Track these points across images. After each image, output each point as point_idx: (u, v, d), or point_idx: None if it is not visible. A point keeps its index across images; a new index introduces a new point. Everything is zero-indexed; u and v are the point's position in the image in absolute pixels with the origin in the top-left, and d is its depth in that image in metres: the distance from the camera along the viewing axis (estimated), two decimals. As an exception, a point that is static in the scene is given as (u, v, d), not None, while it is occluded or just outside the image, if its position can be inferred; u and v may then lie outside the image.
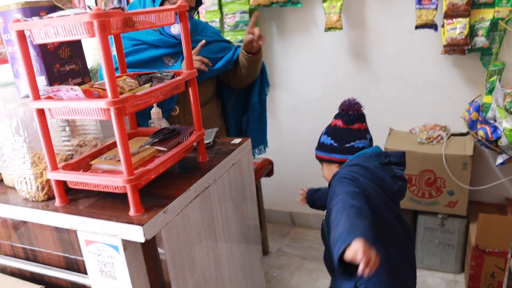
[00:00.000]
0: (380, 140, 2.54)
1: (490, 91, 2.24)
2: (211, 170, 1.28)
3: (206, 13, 2.73)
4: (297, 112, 2.97)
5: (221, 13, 2.72)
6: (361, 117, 1.52)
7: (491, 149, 2.23)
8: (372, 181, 1.35)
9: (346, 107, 1.52)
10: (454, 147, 2.38)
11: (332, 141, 1.51)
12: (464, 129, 2.49)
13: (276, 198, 3.24)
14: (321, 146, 1.57)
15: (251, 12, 2.68)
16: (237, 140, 1.52)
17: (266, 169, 2.63)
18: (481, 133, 2.20)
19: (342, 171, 1.40)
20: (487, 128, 2.17)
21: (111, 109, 0.97)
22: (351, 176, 1.34)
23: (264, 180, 2.87)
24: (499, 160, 2.24)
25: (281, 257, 2.89)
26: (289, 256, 2.89)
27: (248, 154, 1.53)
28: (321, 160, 1.58)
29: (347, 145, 1.49)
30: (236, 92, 2.22)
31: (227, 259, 1.44)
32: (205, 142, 1.45)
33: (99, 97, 1.07)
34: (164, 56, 1.93)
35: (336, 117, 1.56)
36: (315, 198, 1.79)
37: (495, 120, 2.19)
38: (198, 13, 2.78)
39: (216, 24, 2.72)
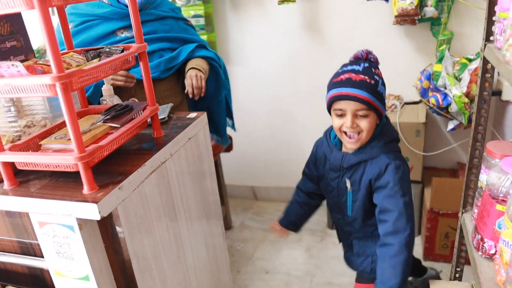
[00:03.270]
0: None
1: (440, 60, 2.30)
2: (166, 145, 1.26)
3: (157, -12, 2.65)
4: (254, 86, 2.96)
5: (173, -13, 2.65)
6: None
7: (443, 115, 2.30)
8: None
9: (375, 58, 1.45)
10: (408, 115, 2.44)
11: (384, 93, 1.41)
12: (417, 98, 2.55)
13: (237, 173, 3.25)
14: (380, 97, 1.38)
15: (203, -14, 2.63)
16: (192, 115, 1.50)
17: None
18: (432, 100, 2.26)
19: (397, 158, 1.42)
20: (438, 96, 2.24)
21: (57, 84, 0.92)
22: (406, 169, 1.44)
23: (224, 156, 2.87)
24: (450, 126, 2.32)
25: (244, 230, 2.91)
26: (252, 229, 2.92)
27: (205, 128, 1.51)
28: (375, 110, 1.38)
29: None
30: None
31: (188, 235, 1.43)
32: (160, 117, 1.43)
33: (44, 72, 1.02)
34: (118, 29, 1.86)
35: (375, 67, 1.42)
36: (291, 219, 1.79)
37: (446, 88, 2.25)
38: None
39: (168, -1, 2.65)
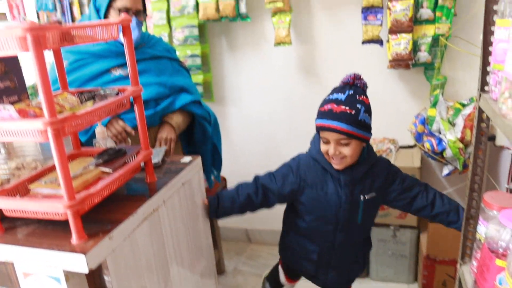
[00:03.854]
0: (331, 153, 2.56)
1: (434, 104, 2.32)
2: (159, 191, 1.23)
3: (155, 27, 2.68)
4: (249, 127, 2.95)
5: (170, 27, 2.68)
6: None
7: (437, 160, 2.30)
8: None
9: (363, 84, 1.53)
10: (403, 160, 2.43)
11: (370, 121, 1.49)
12: (411, 142, 2.55)
13: (230, 215, 3.19)
14: (361, 125, 1.45)
15: (200, 26, 2.66)
16: (187, 159, 1.48)
17: (219, 186, 2.59)
18: (427, 145, 2.26)
19: (391, 164, 1.65)
20: (433, 140, 2.24)
21: (48, 130, 0.91)
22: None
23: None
24: (445, 171, 2.31)
25: (237, 276, 2.83)
26: (245, 275, 2.84)
27: (199, 172, 1.49)
28: (356, 138, 1.46)
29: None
30: None
31: (180, 282, 1.38)
32: (153, 161, 1.40)
33: (36, 116, 1.00)
34: (112, 67, 1.85)
35: (361, 93, 1.49)
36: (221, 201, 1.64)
37: (440, 132, 2.26)
38: (146, 25, 2.73)
39: (165, 39, 2.67)
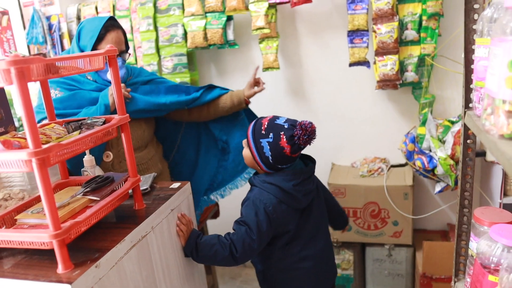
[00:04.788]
0: (322, 175, 2.54)
1: (424, 123, 2.34)
2: (148, 218, 1.22)
3: (144, 57, 2.71)
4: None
5: (159, 56, 2.71)
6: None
7: (429, 178, 2.30)
8: (284, 201, 1.50)
9: (303, 140, 1.46)
10: (395, 178, 2.44)
11: (270, 157, 1.49)
12: (403, 160, 2.56)
13: (224, 241, 3.15)
14: (258, 148, 1.51)
15: (188, 54, 2.69)
16: (175, 185, 1.47)
17: (211, 211, 2.57)
18: (418, 163, 2.27)
19: (260, 193, 1.51)
20: (424, 158, 2.25)
21: (33, 160, 0.90)
22: (264, 205, 1.48)
23: (210, 222, 2.80)
24: (437, 188, 2.31)
25: (233, 301, 2.80)
26: (241, 300, 2.81)
27: (188, 198, 1.48)
28: (250, 152, 1.54)
29: (279, 166, 1.52)
30: (183, 131, 2.19)
31: (171, 311, 1.36)
32: (142, 188, 1.40)
33: (21, 147, 1.00)
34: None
35: (288, 140, 1.46)
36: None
37: (430, 150, 2.27)
38: (136, 56, 2.76)
39: (154, 67, 2.70)
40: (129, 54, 1.92)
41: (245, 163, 1.61)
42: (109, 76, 1.81)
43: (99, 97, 1.78)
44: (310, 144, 1.50)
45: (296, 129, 1.46)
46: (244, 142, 1.59)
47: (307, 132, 1.46)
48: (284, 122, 1.50)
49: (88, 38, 1.76)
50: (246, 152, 1.58)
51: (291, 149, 1.47)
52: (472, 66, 1.21)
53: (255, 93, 2.09)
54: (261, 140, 1.51)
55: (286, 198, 1.50)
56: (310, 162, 1.63)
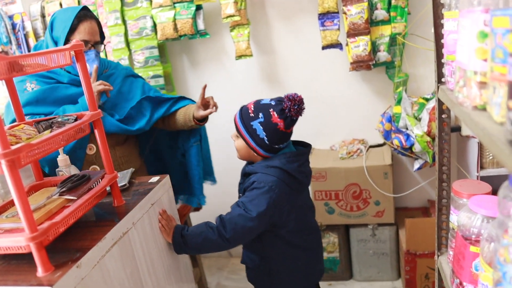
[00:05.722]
0: (304, 160, 2.57)
1: (399, 102, 2.35)
2: (128, 214, 1.20)
3: (114, 52, 2.65)
4: (217, 141, 2.93)
5: (129, 50, 2.66)
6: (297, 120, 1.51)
7: (407, 156, 2.33)
8: (288, 184, 1.46)
9: (294, 110, 1.44)
10: (374, 159, 2.46)
11: (265, 138, 1.46)
12: (381, 140, 2.58)
13: (209, 232, 3.14)
14: (250, 132, 1.48)
15: (159, 46, 2.65)
16: (155, 179, 1.45)
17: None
18: (396, 142, 2.29)
19: (265, 176, 1.45)
20: (401, 137, 2.27)
21: (2, 162, 0.87)
22: (269, 188, 1.43)
23: (193, 215, 2.79)
24: (416, 165, 2.34)
25: (221, 291, 2.80)
26: (229, 290, 2.81)
27: (168, 191, 1.46)
28: (243, 139, 1.51)
29: (276, 146, 1.48)
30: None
31: (159, 306, 1.35)
32: (120, 184, 1.37)
33: (-12, 150, 0.97)
34: (78, 96, 1.81)
35: (280, 115, 1.45)
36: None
37: (407, 128, 2.29)
38: (105, 52, 2.70)
39: (125, 62, 2.64)
40: (104, 45, 1.86)
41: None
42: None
43: (79, 100, 1.74)
44: (301, 115, 1.48)
45: (284, 102, 1.45)
46: (233, 135, 1.56)
47: (296, 102, 1.44)
48: (270, 100, 1.49)
49: (61, 29, 1.71)
50: (238, 144, 1.54)
51: (284, 124, 1.45)
52: (442, 41, 1.21)
53: (204, 115, 1.90)
54: (252, 123, 1.47)
55: (290, 181, 1.47)
56: (302, 147, 1.60)
